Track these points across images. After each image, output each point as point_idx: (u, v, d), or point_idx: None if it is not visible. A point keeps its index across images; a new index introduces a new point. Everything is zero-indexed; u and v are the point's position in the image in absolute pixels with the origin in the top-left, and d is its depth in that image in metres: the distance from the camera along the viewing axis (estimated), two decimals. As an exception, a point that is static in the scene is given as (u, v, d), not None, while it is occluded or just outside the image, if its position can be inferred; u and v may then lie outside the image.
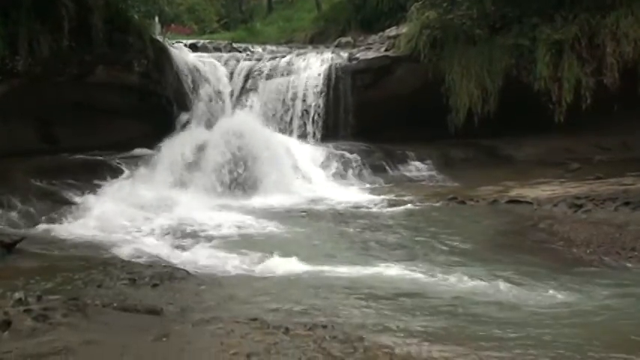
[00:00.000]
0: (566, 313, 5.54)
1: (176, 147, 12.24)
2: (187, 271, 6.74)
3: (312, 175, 12.28)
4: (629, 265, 7.17)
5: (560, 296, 6.05)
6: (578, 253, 7.60)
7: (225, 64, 14.46)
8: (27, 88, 11.31)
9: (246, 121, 12.74)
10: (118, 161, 11.81)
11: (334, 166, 12.61)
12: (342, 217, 9.91)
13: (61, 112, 12.02)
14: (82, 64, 12.10)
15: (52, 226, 9.33)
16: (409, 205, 10.37)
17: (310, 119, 13.65)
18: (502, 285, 6.40)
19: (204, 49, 15.81)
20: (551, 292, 6.19)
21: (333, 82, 13.84)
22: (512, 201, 10.12)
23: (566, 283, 6.40)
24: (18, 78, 11.21)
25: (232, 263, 7.40)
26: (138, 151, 12.32)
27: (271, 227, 9.29)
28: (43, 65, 11.37)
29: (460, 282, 6.56)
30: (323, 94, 13.73)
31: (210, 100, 13.81)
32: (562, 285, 6.35)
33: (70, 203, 10.10)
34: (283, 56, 14.78)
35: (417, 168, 13.03)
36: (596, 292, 6.15)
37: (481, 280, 6.59)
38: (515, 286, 6.36)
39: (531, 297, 6.06)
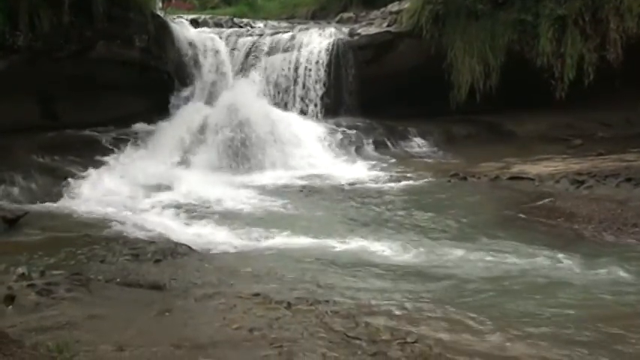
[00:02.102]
0: (567, 287, 5.57)
1: (177, 123, 12.24)
2: (190, 247, 6.76)
3: (313, 151, 12.24)
4: (630, 241, 7.18)
5: (561, 272, 6.07)
6: (580, 229, 7.60)
7: (227, 39, 14.34)
8: (27, 63, 11.26)
9: (247, 97, 12.70)
10: (119, 137, 11.81)
11: (336, 142, 12.57)
12: (343, 192, 9.91)
13: (62, 88, 11.95)
14: (82, 39, 12.02)
15: (54, 201, 9.36)
16: (411, 182, 10.37)
17: (312, 95, 13.58)
18: (501, 260, 6.43)
19: (205, 24, 15.72)
20: (551, 266, 6.21)
21: (335, 57, 13.72)
22: (514, 177, 10.11)
23: (568, 259, 6.42)
24: (18, 53, 11.16)
25: (234, 239, 7.43)
26: (139, 126, 12.31)
27: (273, 203, 9.31)
28: (44, 40, 11.31)
29: (461, 258, 6.59)
30: (324, 69, 13.62)
31: (212, 77, 13.73)
32: (563, 260, 6.36)
33: (72, 179, 10.11)
34: (285, 32, 14.67)
35: (418, 144, 13.01)
36: (598, 267, 6.17)
37: (482, 256, 6.62)
38: (514, 262, 6.38)
39: (531, 272, 6.09)
